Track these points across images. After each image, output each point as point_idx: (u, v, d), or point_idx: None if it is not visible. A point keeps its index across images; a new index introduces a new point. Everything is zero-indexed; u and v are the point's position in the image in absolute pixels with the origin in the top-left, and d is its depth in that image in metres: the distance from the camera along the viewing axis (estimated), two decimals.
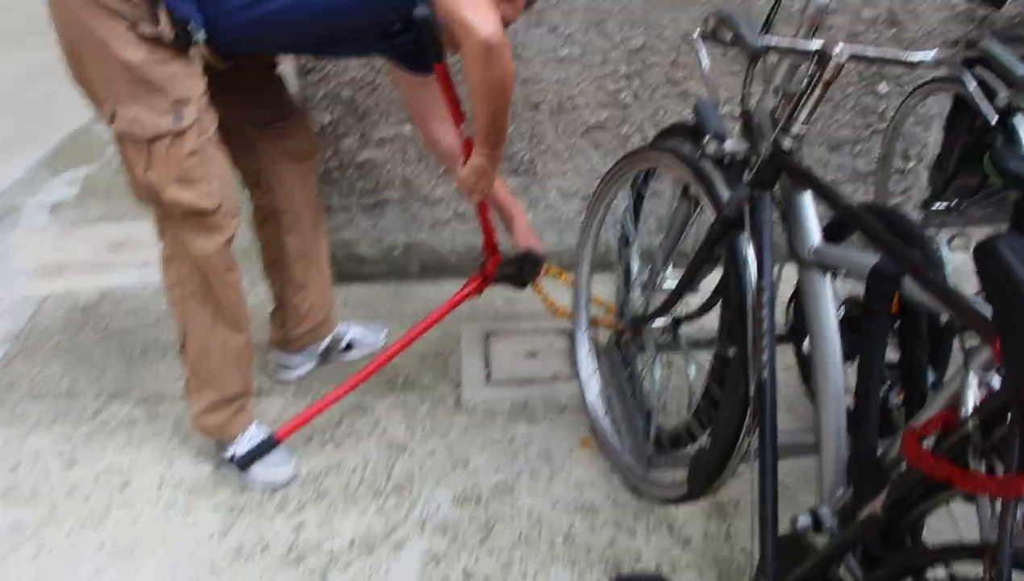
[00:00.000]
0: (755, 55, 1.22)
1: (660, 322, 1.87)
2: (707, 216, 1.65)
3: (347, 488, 2.01)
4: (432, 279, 2.90)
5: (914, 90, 2.28)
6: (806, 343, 1.73)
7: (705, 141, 1.64)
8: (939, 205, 2.28)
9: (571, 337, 2.52)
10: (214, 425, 1.99)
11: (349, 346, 2.47)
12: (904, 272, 1.19)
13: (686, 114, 2.65)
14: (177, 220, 1.75)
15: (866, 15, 2.51)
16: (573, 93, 2.58)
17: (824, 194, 1.31)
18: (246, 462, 2.00)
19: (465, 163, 1.92)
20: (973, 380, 1.06)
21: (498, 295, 2.43)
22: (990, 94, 1.93)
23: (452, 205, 2.74)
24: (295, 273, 2.24)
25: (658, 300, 1.92)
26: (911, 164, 2.77)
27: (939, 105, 2.67)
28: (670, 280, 1.94)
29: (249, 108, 2.01)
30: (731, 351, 1.49)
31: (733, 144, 1.60)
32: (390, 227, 2.77)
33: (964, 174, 2.20)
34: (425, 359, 2.47)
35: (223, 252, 1.81)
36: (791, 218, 1.44)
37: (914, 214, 2.84)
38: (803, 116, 1.33)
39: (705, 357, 1.90)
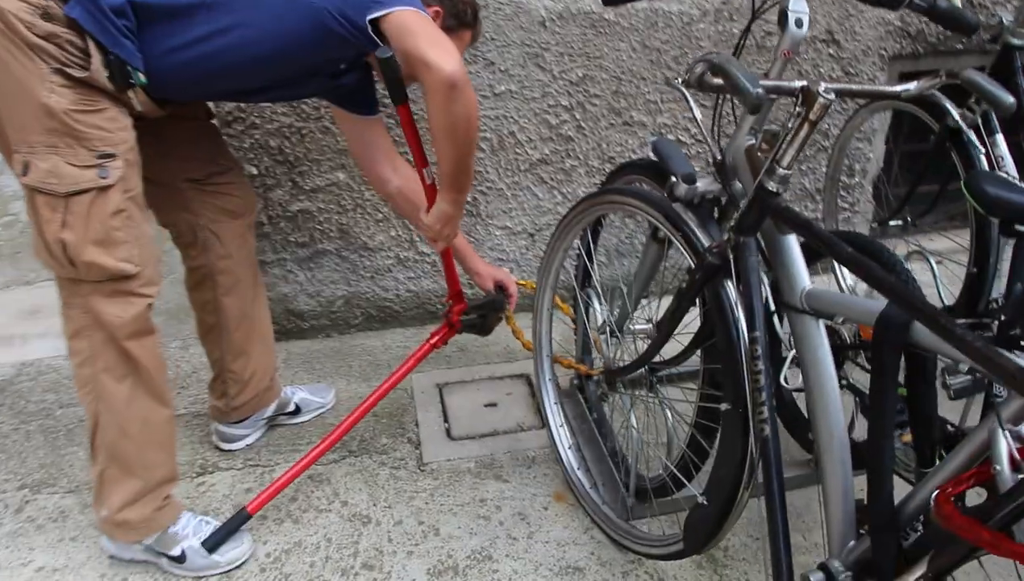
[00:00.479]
0: (756, 106, 1.14)
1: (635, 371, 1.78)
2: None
3: (312, 569, 1.85)
4: (377, 330, 2.77)
5: (859, 108, 2.27)
6: (782, 378, 1.69)
7: (673, 183, 1.57)
8: (895, 221, 2.27)
9: (531, 384, 2.43)
10: (137, 520, 1.77)
11: (296, 410, 2.32)
12: (914, 319, 1.13)
13: (631, 144, 2.59)
14: (89, 286, 1.58)
15: None
16: (513, 129, 2.50)
17: (818, 238, 1.24)
18: (216, 542, 1.83)
19: (429, 210, 1.83)
20: (1006, 435, 1.00)
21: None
22: (939, 113, 1.93)
23: (393, 251, 2.62)
24: (236, 338, 2.08)
25: (629, 345, 1.85)
26: (856, 179, 2.78)
27: (880, 121, 2.69)
28: (640, 323, 1.86)
29: (185, 162, 1.87)
30: (724, 406, 1.41)
31: (705, 185, 1.54)
32: (328, 279, 2.63)
33: (923, 184, 2.19)
34: (379, 418, 2.33)
35: (142, 317, 1.65)
36: (777, 262, 1.38)
37: (864, 228, 2.85)
38: (788, 157, 1.26)
39: (678, 395, 1.83)
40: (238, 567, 1.86)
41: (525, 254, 2.72)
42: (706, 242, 1.48)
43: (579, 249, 2.09)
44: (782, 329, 1.48)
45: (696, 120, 1.39)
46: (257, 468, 2.16)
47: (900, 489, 1.21)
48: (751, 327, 1.34)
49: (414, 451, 2.21)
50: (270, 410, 2.24)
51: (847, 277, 2.46)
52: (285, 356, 2.63)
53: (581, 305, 2.11)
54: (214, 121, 1.97)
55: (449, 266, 2.07)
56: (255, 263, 2.10)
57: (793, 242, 1.36)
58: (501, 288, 2.19)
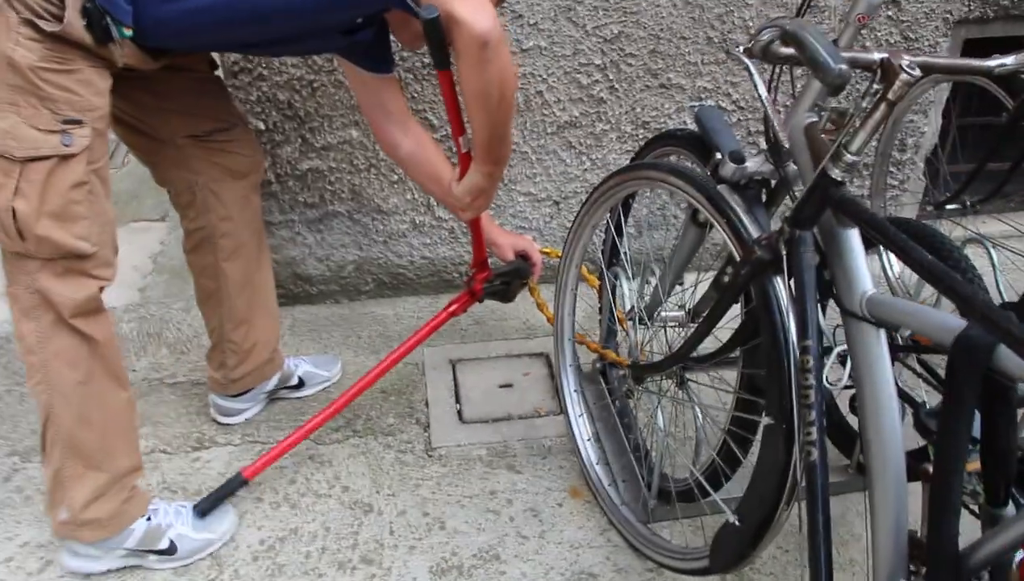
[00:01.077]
0: (839, 86, 0.95)
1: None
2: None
3: (308, 560, 1.74)
4: (389, 297, 2.62)
5: (919, 78, 2.05)
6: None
7: (718, 160, 1.40)
8: (954, 205, 2.07)
9: (550, 364, 2.28)
10: (103, 517, 1.61)
11: (300, 383, 2.18)
12: (1000, 342, 0.96)
13: (668, 108, 2.39)
14: (37, 263, 1.43)
15: None
16: (541, 88, 2.30)
17: (891, 242, 1.06)
18: (210, 506, 1.74)
19: (460, 179, 1.69)
20: None
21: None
22: (1018, 87, 1.73)
23: (409, 215, 2.45)
24: (237, 306, 1.94)
25: (659, 333, 1.69)
26: (908, 155, 2.57)
27: (938, 92, 2.47)
28: (672, 311, 1.71)
29: (185, 117, 1.72)
30: (766, 420, 1.25)
31: (755, 166, 1.36)
32: (339, 242, 2.47)
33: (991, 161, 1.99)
34: (386, 395, 2.19)
35: (94, 298, 1.50)
36: (835, 260, 1.20)
37: (913, 208, 2.65)
38: (858, 142, 1.07)
39: (710, 387, 1.68)
40: (229, 544, 1.76)
41: (549, 223, 2.55)
42: (754, 231, 1.31)
43: (608, 225, 1.92)
44: (824, 321, 1.32)
45: (760, 97, 1.20)
46: (256, 445, 2.04)
47: None
48: (803, 334, 1.17)
49: (422, 434, 2.07)
50: (271, 383, 2.11)
51: (895, 264, 2.27)
52: (291, 322, 2.49)
53: (608, 286, 1.95)
54: (218, 73, 1.80)
55: (477, 234, 1.95)
56: (260, 227, 1.96)
57: (855, 238, 1.18)
58: (523, 257, 2.04)
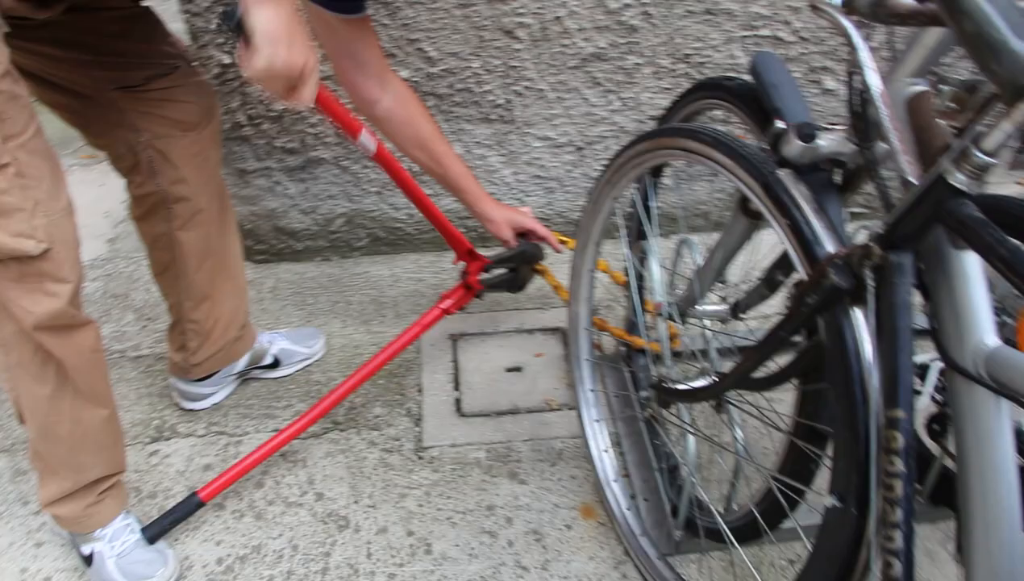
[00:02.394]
0: (1021, 89, 0.59)
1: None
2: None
3: None
4: (385, 254, 2.30)
5: None
6: None
7: (781, 132, 1.04)
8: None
9: (567, 344, 1.96)
10: (69, 517, 1.45)
11: (275, 362, 1.89)
12: None
13: (714, 39, 1.98)
14: None
15: None
16: (560, 14, 1.91)
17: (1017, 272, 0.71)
18: (159, 531, 1.51)
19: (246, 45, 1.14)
20: None
21: None
22: None
23: (405, 162, 2.10)
24: (197, 281, 1.66)
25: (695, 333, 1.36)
26: None
27: None
28: (710, 306, 1.38)
29: (109, 68, 1.40)
30: (830, 501, 0.92)
31: (831, 145, 1.00)
32: (325, 193, 2.14)
33: None
34: (375, 379, 1.89)
35: (63, 314, 1.21)
36: (942, 292, 0.85)
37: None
38: (1000, 136, 0.71)
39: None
40: (183, 562, 1.53)
41: (571, 172, 2.19)
42: (826, 241, 0.95)
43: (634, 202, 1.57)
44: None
45: (866, 83, 0.83)
46: (222, 437, 1.77)
47: None
48: (892, 401, 0.83)
49: (413, 428, 1.77)
50: (241, 364, 1.83)
51: None
52: (273, 284, 2.19)
53: (632, 270, 1.61)
54: (148, 4, 1.45)
55: (440, 223, 1.68)
56: (221, 185, 1.65)
57: (974, 265, 0.83)
58: (524, 235, 1.73)
